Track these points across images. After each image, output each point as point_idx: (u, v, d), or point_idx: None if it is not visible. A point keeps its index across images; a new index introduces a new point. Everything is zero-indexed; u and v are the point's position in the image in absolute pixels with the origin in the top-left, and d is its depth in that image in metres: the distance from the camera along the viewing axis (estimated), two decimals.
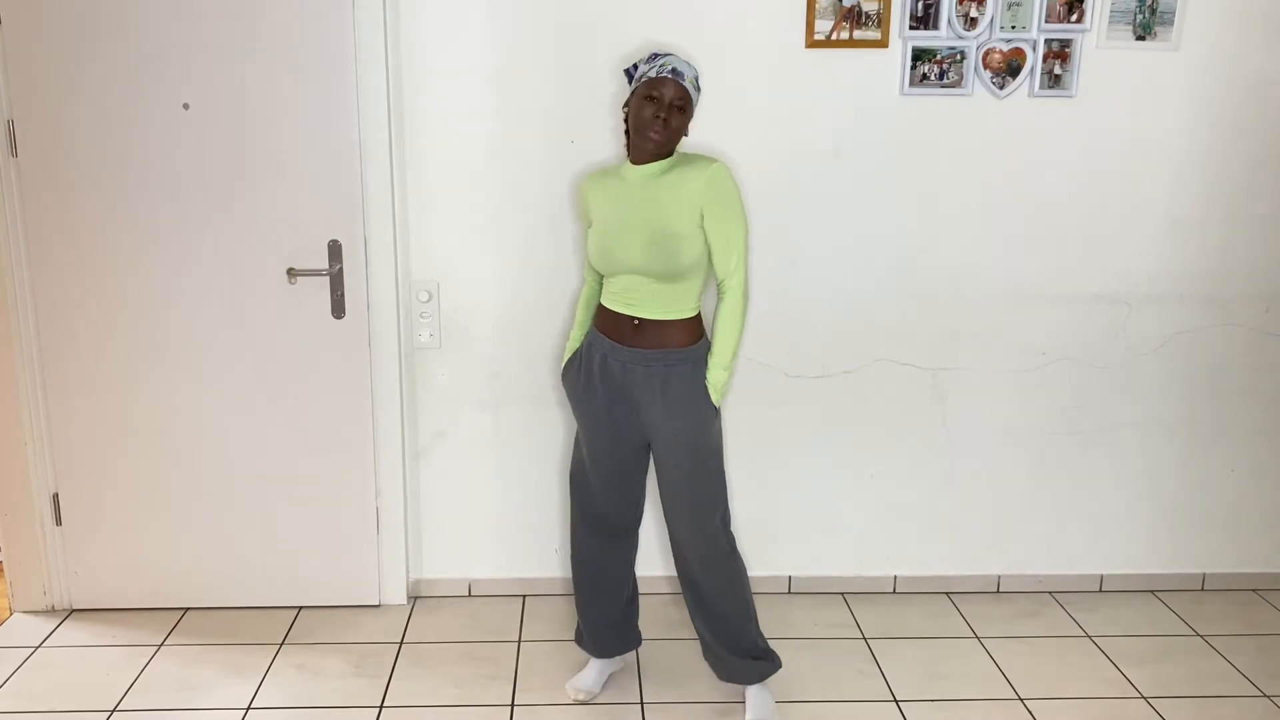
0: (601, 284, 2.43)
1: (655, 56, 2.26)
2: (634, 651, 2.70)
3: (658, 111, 2.20)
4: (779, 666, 2.47)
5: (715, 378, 2.28)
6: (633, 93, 2.26)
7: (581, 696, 2.53)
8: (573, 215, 2.79)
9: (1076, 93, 2.75)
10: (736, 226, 2.25)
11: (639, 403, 2.31)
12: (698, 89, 2.28)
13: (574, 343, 2.47)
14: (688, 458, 2.30)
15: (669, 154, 2.28)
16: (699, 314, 2.34)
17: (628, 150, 2.32)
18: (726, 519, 2.40)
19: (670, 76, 2.21)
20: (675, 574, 2.49)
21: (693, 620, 2.47)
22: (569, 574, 3.06)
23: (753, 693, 2.46)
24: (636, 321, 2.29)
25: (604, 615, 2.56)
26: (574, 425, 2.92)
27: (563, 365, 2.47)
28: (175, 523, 2.89)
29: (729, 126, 2.72)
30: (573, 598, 2.69)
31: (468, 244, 2.82)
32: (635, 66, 2.29)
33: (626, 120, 2.29)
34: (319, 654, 2.74)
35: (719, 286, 2.29)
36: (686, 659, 2.72)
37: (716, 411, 2.32)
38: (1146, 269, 2.90)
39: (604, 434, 2.39)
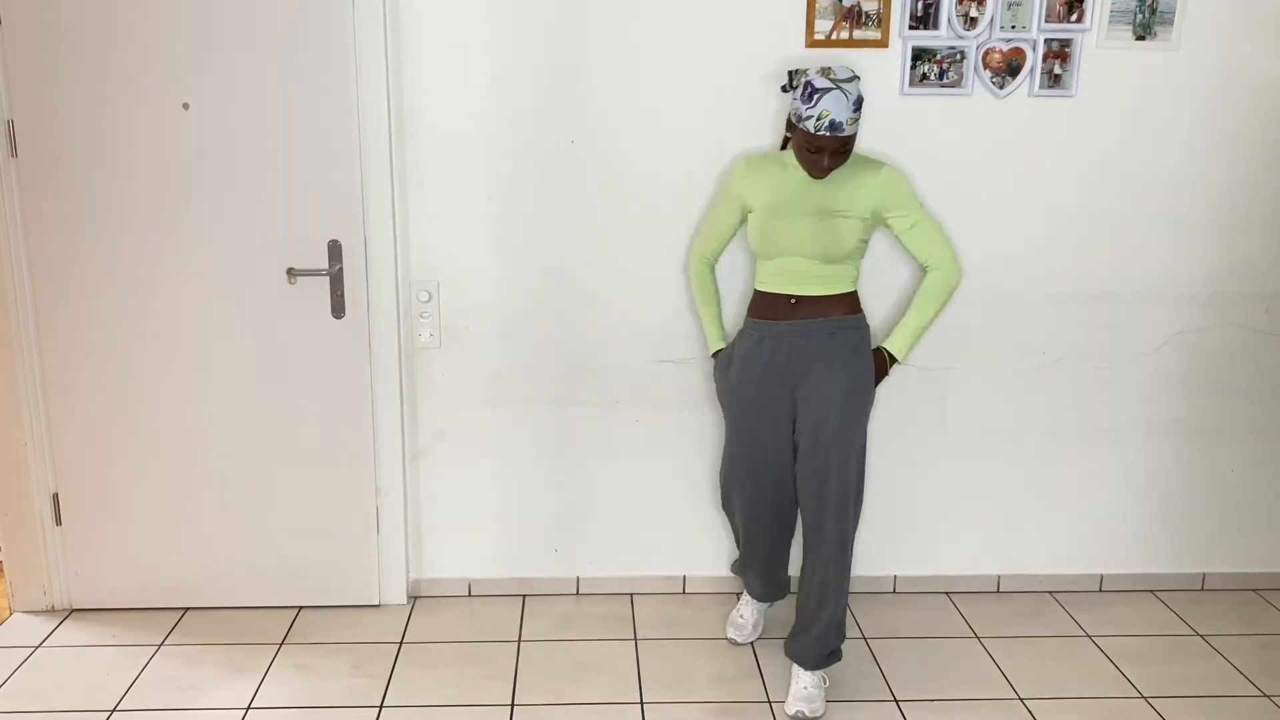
0: (713, 268, 2.62)
1: (811, 93, 2.24)
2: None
3: (820, 161, 2.30)
4: (838, 661, 2.54)
5: (897, 339, 2.46)
6: (794, 126, 2.31)
7: (738, 636, 2.76)
8: (573, 214, 2.79)
9: (1076, 93, 2.75)
10: (924, 216, 2.43)
11: (797, 375, 2.41)
12: (859, 112, 2.28)
13: (716, 334, 2.63)
14: (840, 423, 2.38)
15: None
16: (855, 291, 2.46)
17: (786, 144, 2.47)
18: (859, 505, 2.50)
19: (829, 133, 2.24)
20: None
21: (798, 599, 2.57)
22: (569, 574, 3.07)
23: (801, 676, 2.50)
24: (794, 300, 2.41)
25: (774, 573, 2.74)
26: (573, 425, 2.94)
27: (712, 359, 2.64)
28: (175, 523, 2.89)
29: (729, 126, 2.72)
30: (574, 597, 2.85)
31: (468, 244, 2.82)
32: (791, 85, 2.36)
33: (789, 133, 2.37)
34: (319, 654, 2.74)
35: (924, 269, 2.47)
36: (686, 659, 2.72)
37: (872, 384, 2.44)
38: (1146, 269, 2.90)
39: (758, 421, 2.49)
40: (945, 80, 2.72)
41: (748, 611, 2.81)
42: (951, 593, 3.10)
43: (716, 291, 2.67)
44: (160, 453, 2.84)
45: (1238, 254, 2.90)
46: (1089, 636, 2.87)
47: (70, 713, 2.46)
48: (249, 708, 2.49)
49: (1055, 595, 3.10)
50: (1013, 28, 2.69)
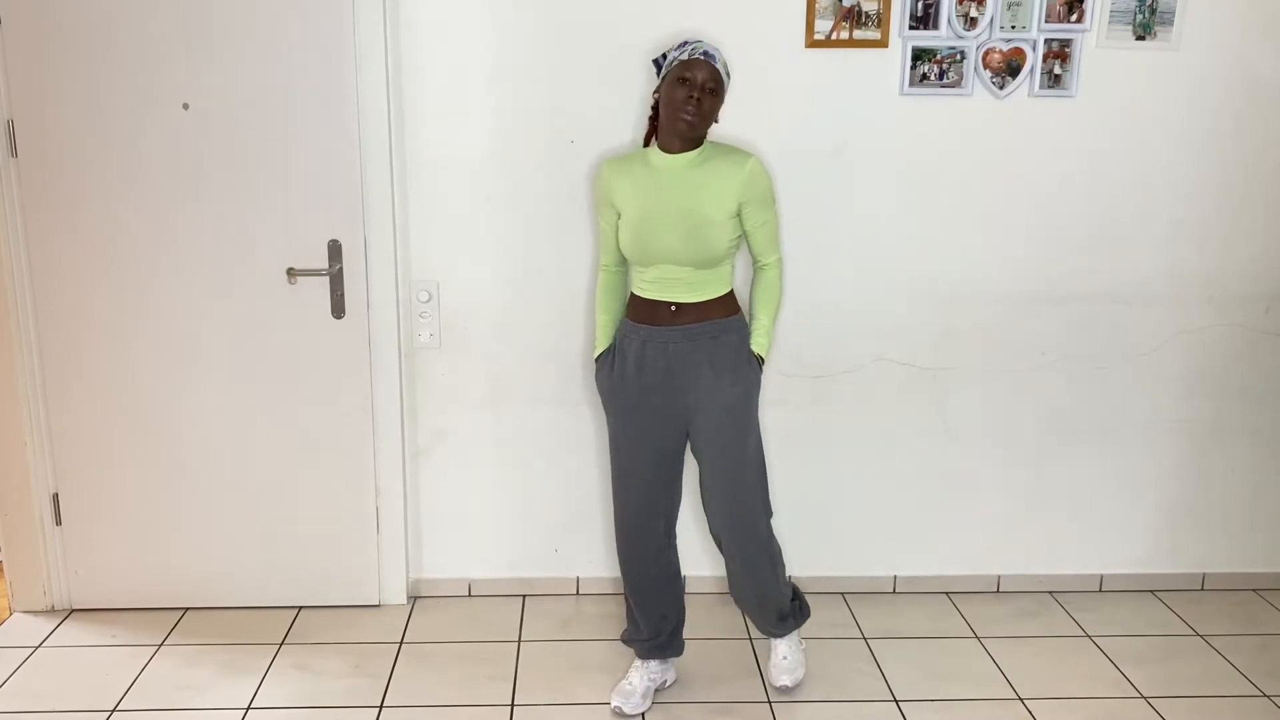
0: (621, 272, 2.50)
1: (685, 44, 2.28)
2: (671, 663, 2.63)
3: (690, 93, 2.23)
4: (805, 619, 2.62)
5: (759, 340, 2.41)
6: (663, 79, 2.29)
7: (630, 709, 2.47)
8: (573, 215, 2.79)
9: (1076, 93, 2.75)
10: (774, 215, 2.39)
11: (684, 382, 2.36)
12: (728, 74, 2.32)
13: (603, 338, 2.50)
14: (734, 428, 2.37)
15: (700, 140, 2.32)
16: (733, 289, 2.42)
17: (652, 139, 2.38)
18: (768, 504, 2.48)
19: (702, 59, 2.24)
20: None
21: (730, 589, 2.57)
22: (569, 574, 3.07)
23: (779, 646, 2.60)
24: (674, 307, 2.35)
25: (658, 616, 2.53)
26: (573, 425, 2.94)
27: (595, 362, 2.50)
28: (175, 523, 2.89)
29: (729, 126, 2.71)
30: (574, 597, 2.82)
31: (468, 244, 2.82)
32: (664, 55, 2.31)
33: (654, 108, 2.33)
34: (319, 654, 2.74)
35: (758, 266, 2.43)
36: (686, 659, 2.71)
37: (759, 383, 2.41)
38: (1146, 269, 2.90)
39: (643, 425, 2.41)
40: (945, 80, 2.72)
41: (637, 678, 2.52)
42: (951, 593, 3.10)
43: (619, 298, 2.50)
44: (160, 453, 2.84)
45: (1238, 254, 2.90)
46: (1089, 636, 2.87)
47: (70, 713, 2.46)
48: (249, 708, 2.49)
49: (1055, 595, 3.10)
50: (1013, 28, 2.70)
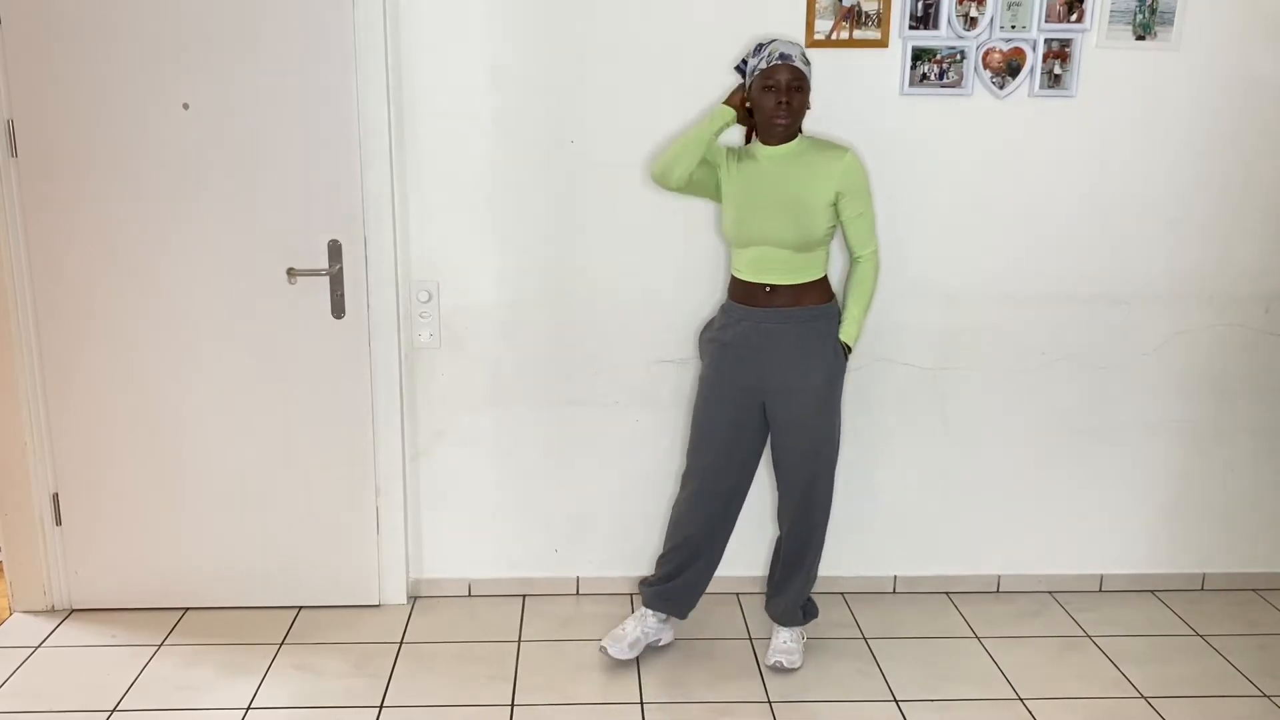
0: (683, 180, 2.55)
1: (760, 47, 2.43)
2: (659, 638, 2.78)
3: (779, 98, 2.39)
4: (814, 616, 2.76)
5: (848, 329, 2.53)
6: (750, 86, 2.44)
7: (615, 652, 2.65)
8: (573, 215, 2.80)
9: (1076, 93, 2.75)
10: (870, 206, 2.51)
11: (770, 362, 2.50)
12: (808, 63, 2.45)
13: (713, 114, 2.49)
14: (818, 411, 2.52)
15: (797, 133, 2.48)
16: (826, 277, 2.54)
17: (751, 137, 2.54)
18: (832, 485, 2.63)
19: (780, 62, 2.38)
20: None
21: (772, 569, 2.77)
22: (569, 574, 3.06)
23: (781, 632, 2.71)
24: (769, 288, 2.49)
25: (678, 561, 2.70)
26: (573, 425, 2.94)
27: (696, 340, 2.74)
28: (175, 523, 2.89)
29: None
30: (574, 597, 2.90)
31: (468, 244, 2.82)
32: (744, 61, 2.47)
33: (750, 111, 2.48)
34: (319, 654, 2.74)
35: (854, 258, 2.54)
36: (686, 659, 2.72)
37: (844, 370, 2.54)
38: (1146, 269, 2.90)
39: (724, 394, 2.57)
40: (945, 80, 2.72)
41: (632, 625, 2.70)
42: (951, 593, 3.10)
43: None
44: (160, 453, 2.84)
45: (1238, 254, 2.90)
46: (1089, 636, 2.87)
47: (70, 713, 2.46)
48: (249, 708, 2.49)
49: (1055, 595, 3.10)
50: (1013, 28, 2.70)
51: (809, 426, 2.54)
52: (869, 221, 2.51)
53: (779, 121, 2.41)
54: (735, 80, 2.64)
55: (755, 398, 2.56)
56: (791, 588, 2.69)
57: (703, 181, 2.55)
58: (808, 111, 2.48)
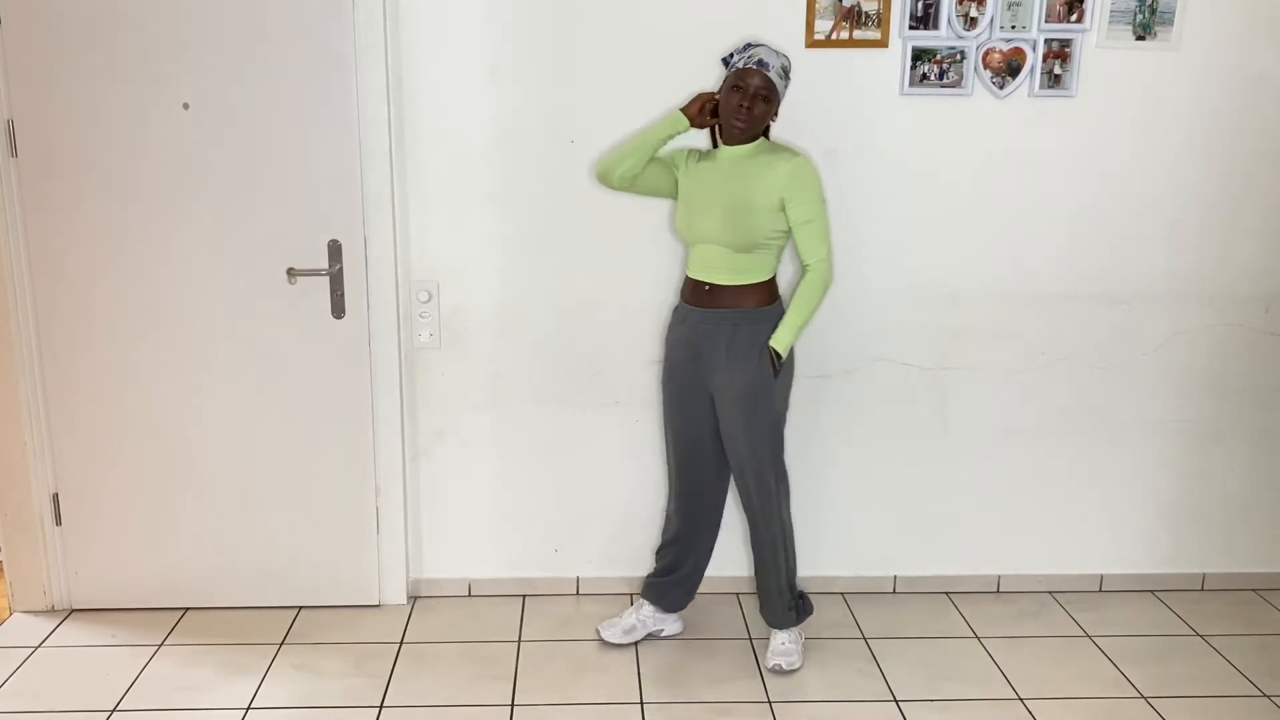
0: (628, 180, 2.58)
1: (749, 46, 2.45)
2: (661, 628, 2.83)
3: (742, 100, 2.40)
4: (808, 615, 2.74)
5: (780, 336, 2.48)
6: (725, 80, 2.45)
7: (608, 635, 2.75)
8: (573, 215, 2.80)
9: (1076, 93, 2.75)
10: (820, 213, 2.46)
11: (708, 362, 2.53)
12: (786, 77, 2.46)
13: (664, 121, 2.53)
14: (742, 412, 2.51)
15: (756, 137, 2.49)
16: (771, 280, 2.53)
17: (717, 141, 2.55)
18: (781, 472, 2.61)
19: (755, 68, 2.40)
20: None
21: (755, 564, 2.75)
22: (569, 574, 3.07)
23: (778, 634, 2.70)
24: (708, 286, 2.51)
25: (668, 559, 2.77)
26: (573, 425, 2.94)
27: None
28: (175, 523, 2.89)
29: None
30: (574, 597, 2.95)
31: (468, 244, 2.82)
32: (731, 55, 2.47)
33: (717, 108, 2.49)
34: (319, 654, 2.74)
35: (802, 266, 2.49)
36: (686, 659, 2.72)
37: (777, 373, 2.49)
38: (1146, 269, 2.90)
39: (676, 393, 2.63)
40: (945, 80, 2.72)
41: (628, 613, 2.80)
42: (951, 593, 3.10)
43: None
44: (160, 453, 2.84)
45: (1238, 254, 2.90)
46: (1089, 636, 2.87)
47: (70, 713, 2.46)
48: (249, 708, 2.49)
49: (1055, 595, 3.10)
50: (1013, 28, 2.70)
51: (739, 428, 2.53)
52: (817, 229, 2.45)
53: (737, 123, 2.42)
54: (721, 73, 2.61)
55: (705, 395, 2.58)
56: (769, 589, 2.69)
57: (652, 183, 2.57)
58: (772, 122, 2.50)
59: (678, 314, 2.63)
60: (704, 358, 2.54)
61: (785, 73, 2.44)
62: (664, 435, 2.75)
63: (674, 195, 2.61)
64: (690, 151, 2.59)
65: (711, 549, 2.80)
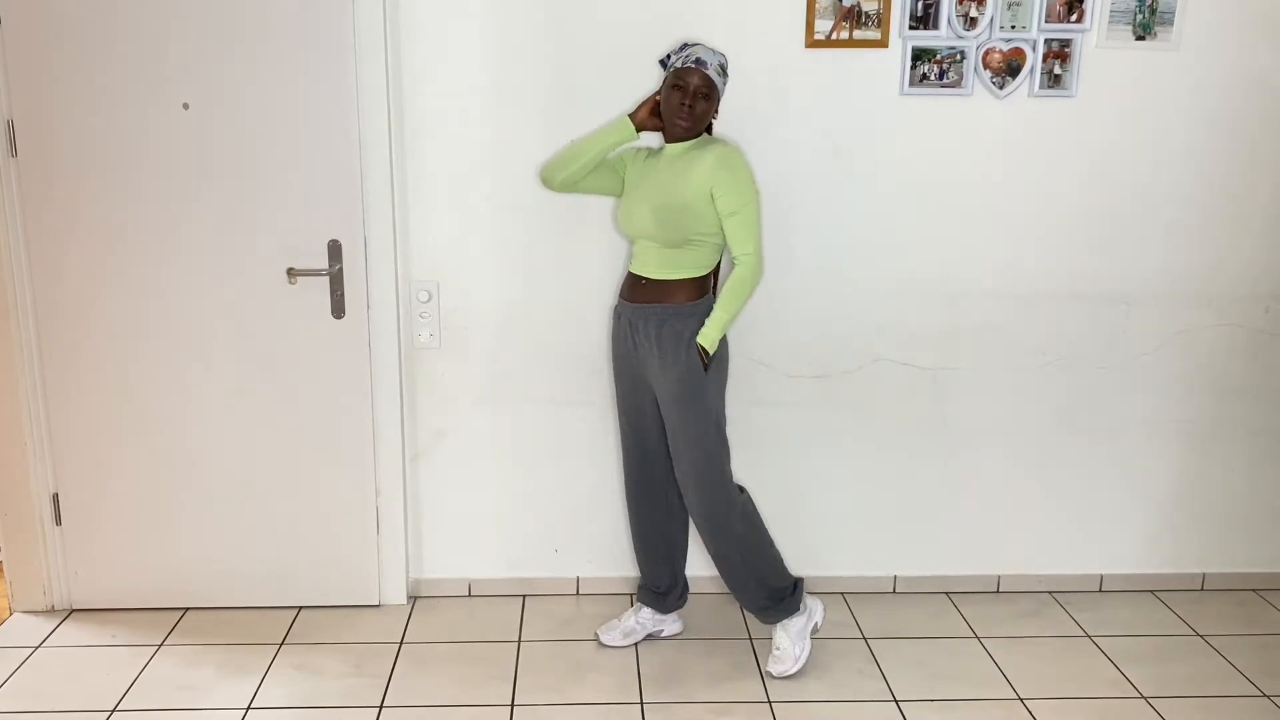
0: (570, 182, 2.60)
1: (685, 46, 2.46)
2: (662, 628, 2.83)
3: (683, 99, 2.41)
4: (795, 608, 2.65)
5: (706, 332, 2.45)
6: (664, 81, 2.46)
7: (607, 639, 2.75)
8: (572, 214, 2.80)
9: (1076, 93, 2.75)
10: (746, 204, 2.42)
11: (643, 356, 2.54)
12: (724, 75, 2.46)
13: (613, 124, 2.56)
14: (676, 408, 2.50)
15: (698, 135, 2.49)
16: (705, 276, 2.51)
17: (663, 132, 2.53)
18: (724, 478, 2.55)
19: (694, 66, 2.40)
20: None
21: None
22: (569, 574, 3.07)
23: (776, 635, 2.67)
24: (644, 281, 2.52)
25: (650, 568, 2.78)
26: (573, 425, 2.95)
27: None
28: (175, 523, 2.89)
29: (729, 126, 2.72)
30: (574, 597, 2.97)
31: (468, 244, 2.82)
32: (669, 56, 2.48)
33: (658, 95, 2.50)
34: (319, 654, 2.74)
35: (733, 259, 2.46)
36: (686, 659, 2.72)
37: (706, 368, 2.46)
38: (1146, 269, 2.90)
39: (622, 389, 2.64)
40: (945, 80, 2.72)
41: (626, 616, 2.80)
42: (951, 593, 3.10)
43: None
44: (160, 453, 2.84)
45: (1238, 254, 2.90)
46: (1089, 636, 2.87)
47: (70, 713, 2.46)
48: (249, 708, 2.49)
49: (1055, 595, 3.10)
50: (1013, 28, 2.70)
51: (671, 422, 2.53)
52: (743, 221, 2.42)
53: (680, 122, 2.42)
54: (653, 74, 2.64)
55: (648, 390, 2.58)
56: (736, 585, 2.64)
57: (595, 184, 2.59)
58: (714, 120, 2.51)
59: (616, 310, 2.63)
60: (640, 353, 2.54)
61: (723, 70, 2.45)
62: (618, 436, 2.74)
63: (620, 194, 2.61)
64: (640, 150, 2.60)
65: (685, 543, 2.78)
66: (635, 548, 2.81)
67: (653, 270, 2.50)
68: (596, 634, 2.78)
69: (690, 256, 2.47)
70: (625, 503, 2.79)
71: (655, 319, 2.49)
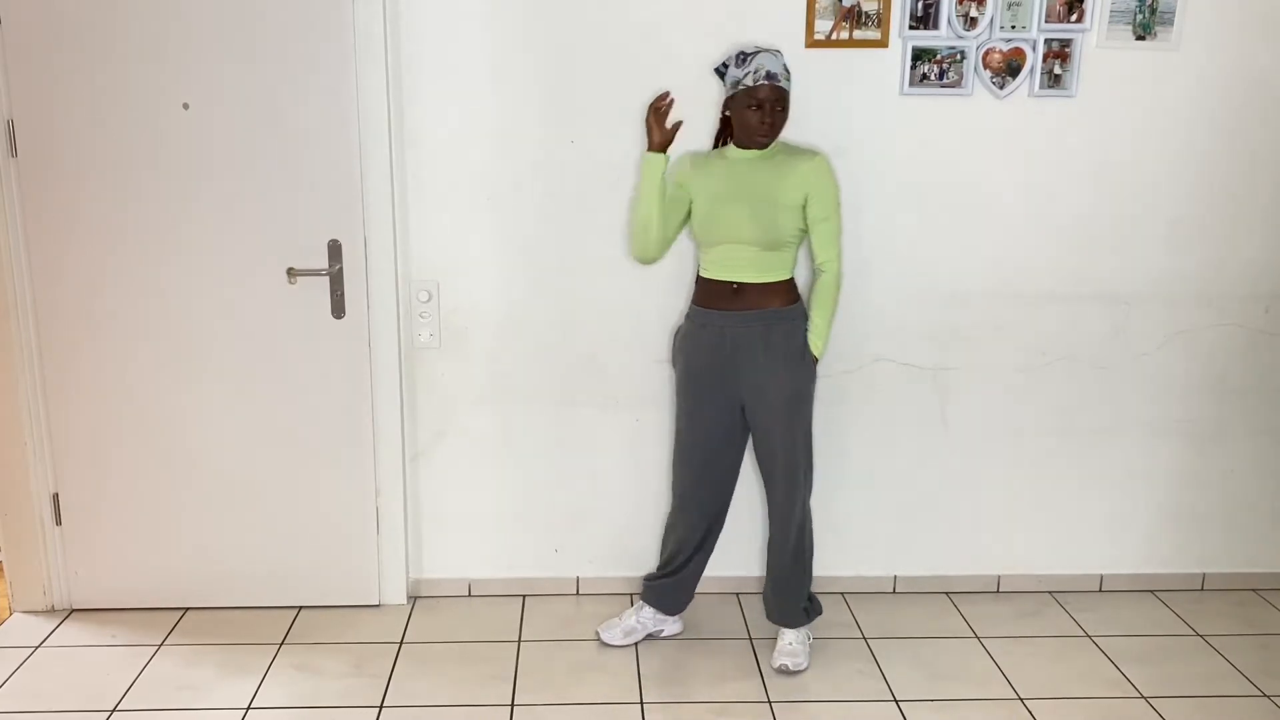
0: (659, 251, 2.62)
1: (744, 58, 2.43)
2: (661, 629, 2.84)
3: (763, 118, 2.42)
4: (817, 615, 2.76)
5: (816, 342, 2.53)
6: (732, 98, 2.46)
7: (608, 637, 2.75)
8: (573, 214, 2.80)
9: (1076, 93, 2.75)
10: (836, 212, 2.50)
11: (740, 364, 2.53)
12: (789, 76, 2.46)
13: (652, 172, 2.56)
14: (786, 412, 2.53)
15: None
16: (793, 279, 2.55)
17: (722, 140, 2.58)
18: (810, 485, 2.65)
19: (766, 83, 2.40)
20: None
21: (767, 559, 2.77)
22: (569, 574, 3.07)
23: (786, 634, 2.70)
24: (735, 286, 2.51)
25: (669, 557, 2.77)
26: (573, 425, 2.94)
27: (670, 349, 2.75)
28: (175, 523, 2.89)
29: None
30: (574, 597, 2.95)
31: (468, 244, 2.82)
32: (725, 66, 2.48)
33: (725, 114, 2.51)
34: (319, 654, 2.74)
35: (817, 267, 2.53)
36: (686, 659, 2.72)
37: (813, 374, 2.56)
38: (1146, 269, 2.90)
39: (700, 401, 2.60)
40: (945, 80, 2.72)
41: (627, 615, 2.80)
42: (951, 593, 3.10)
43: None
44: (160, 453, 2.84)
45: (1238, 254, 2.90)
46: (1089, 636, 2.87)
47: (70, 713, 2.46)
48: (249, 708, 2.49)
49: (1055, 595, 3.10)
50: (1013, 28, 2.70)
51: (780, 428, 2.55)
52: (833, 228, 2.50)
53: (760, 139, 2.45)
54: (714, 84, 2.64)
55: (733, 401, 2.58)
56: (787, 588, 2.70)
57: (679, 223, 2.59)
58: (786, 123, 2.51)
59: (695, 319, 2.59)
60: (735, 362, 2.53)
61: (788, 71, 2.46)
62: (676, 442, 2.70)
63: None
64: (693, 157, 2.59)
65: (713, 549, 2.80)
66: (671, 553, 2.76)
67: (748, 275, 2.49)
68: (597, 632, 2.79)
69: (782, 259, 2.50)
70: (673, 508, 2.75)
71: (760, 323, 2.50)
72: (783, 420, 2.54)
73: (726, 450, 2.65)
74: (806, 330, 2.53)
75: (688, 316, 2.63)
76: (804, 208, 2.48)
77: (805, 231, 2.52)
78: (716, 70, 2.52)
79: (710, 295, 2.55)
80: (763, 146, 2.47)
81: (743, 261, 2.49)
